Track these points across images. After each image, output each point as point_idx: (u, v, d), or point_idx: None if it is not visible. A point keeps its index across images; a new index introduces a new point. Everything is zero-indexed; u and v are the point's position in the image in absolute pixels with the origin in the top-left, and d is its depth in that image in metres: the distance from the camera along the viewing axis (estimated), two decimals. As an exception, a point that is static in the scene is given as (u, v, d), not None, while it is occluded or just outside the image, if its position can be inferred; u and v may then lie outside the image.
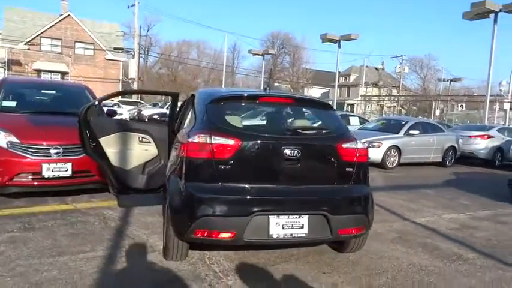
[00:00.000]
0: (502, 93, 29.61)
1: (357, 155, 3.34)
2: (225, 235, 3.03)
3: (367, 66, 49.20)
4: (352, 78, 57.74)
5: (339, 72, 65.88)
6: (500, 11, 15.95)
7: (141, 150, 4.37)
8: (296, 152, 3.14)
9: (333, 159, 3.27)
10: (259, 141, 3.13)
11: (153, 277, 3.15)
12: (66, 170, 4.91)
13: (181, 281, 3.11)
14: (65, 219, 4.47)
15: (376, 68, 54.38)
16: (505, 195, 7.27)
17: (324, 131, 3.47)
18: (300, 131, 3.37)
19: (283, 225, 3.08)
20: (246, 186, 3.11)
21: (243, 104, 3.67)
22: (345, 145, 3.31)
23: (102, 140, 4.31)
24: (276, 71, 49.41)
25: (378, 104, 49.19)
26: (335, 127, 3.49)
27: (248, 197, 3.07)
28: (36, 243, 3.70)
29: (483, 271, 3.59)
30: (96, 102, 4.53)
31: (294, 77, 54.33)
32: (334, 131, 3.47)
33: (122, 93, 16.68)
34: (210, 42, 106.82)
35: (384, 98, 48.38)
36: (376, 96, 49.83)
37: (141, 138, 4.36)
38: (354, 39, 23.32)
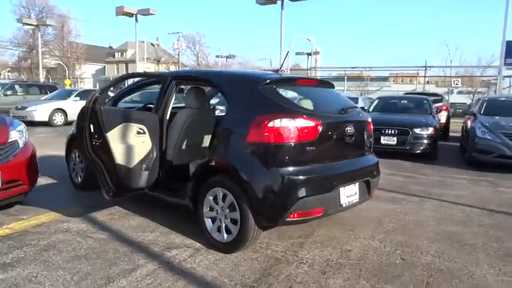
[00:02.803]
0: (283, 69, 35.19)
1: (372, 127, 3.99)
2: (316, 213, 3.20)
3: (142, 42, 48.61)
4: (129, 54, 55.86)
5: (112, 48, 62.82)
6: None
7: (140, 143, 3.65)
8: (352, 128, 3.54)
9: (365, 132, 3.81)
10: (330, 122, 3.35)
11: (244, 268, 2.97)
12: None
13: (272, 266, 3.07)
14: (37, 246, 3.38)
15: (152, 44, 54.26)
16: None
17: (356, 109, 3.92)
18: (345, 109, 3.72)
19: (347, 195, 3.47)
20: (326, 164, 3.32)
21: (288, 86, 3.66)
22: (369, 119, 3.91)
23: (110, 135, 3.40)
24: (35, 45, 42.59)
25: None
26: (355, 104, 4.01)
27: (329, 173, 3.29)
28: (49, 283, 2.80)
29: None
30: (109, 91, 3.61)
31: (62, 51, 48.21)
32: (357, 107, 4.00)
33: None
34: None
35: (165, 74, 49.15)
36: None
37: (138, 129, 3.64)
38: (152, 14, 22.90)
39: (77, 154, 5.11)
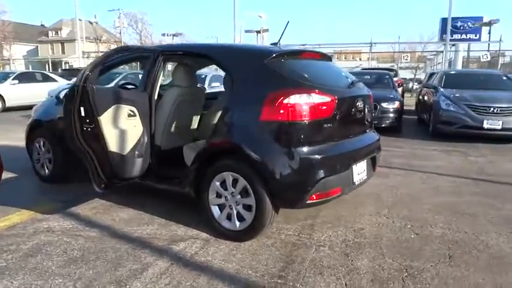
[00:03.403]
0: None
1: (373, 102, 3.88)
2: (335, 193, 3.04)
3: (80, 20, 45.37)
4: (64, 33, 51.88)
5: (45, 26, 57.72)
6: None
7: (131, 128, 3.23)
8: (362, 103, 3.40)
9: (369, 107, 3.68)
10: (343, 97, 3.16)
11: (264, 257, 2.76)
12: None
13: (292, 252, 2.90)
14: (19, 252, 2.92)
15: (90, 22, 50.83)
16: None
17: (359, 82, 3.75)
18: (352, 83, 3.54)
19: (358, 172, 3.35)
20: (341, 141, 3.15)
21: (293, 60, 3.38)
22: (370, 93, 3.78)
23: (103, 118, 2.94)
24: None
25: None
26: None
27: (345, 151, 3.13)
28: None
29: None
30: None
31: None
32: (360, 81, 3.84)
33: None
34: None
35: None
36: (95, 52, 47.12)
37: (128, 112, 3.22)
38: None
39: (41, 143, 4.53)
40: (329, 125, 3.00)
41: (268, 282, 2.54)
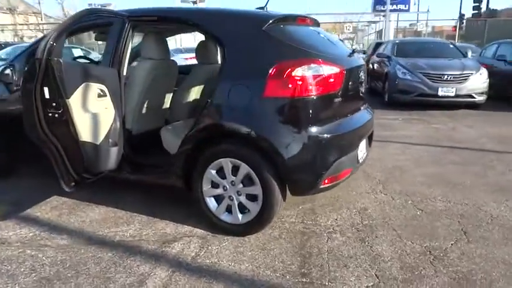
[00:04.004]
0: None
1: None
2: (345, 175, 2.77)
3: (-13, -12, 40.42)
4: (-30, 3, 45.68)
5: None
6: None
7: (103, 110, 2.64)
8: (362, 75, 3.11)
9: (365, 79, 3.38)
10: (348, 68, 2.82)
11: (277, 253, 2.44)
12: None
13: (304, 242, 2.60)
14: (-30, 275, 2.31)
15: (0, -8, 45.18)
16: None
17: (355, 52, 3.42)
18: (351, 52, 3.20)
19: (360, 150, 3.10)
20: (348, 118, 2.85)
21: (292, 26, 2.92)
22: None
23: (73, 101, 2.31)
24: None
25: (16, 35, 42.27)
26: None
27: (353, 129, 2.84)
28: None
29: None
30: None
31: None
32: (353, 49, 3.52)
33: None
34: None
35: (23, 26, 41.88)
36: (12, 24, 42.34)
37: (98, 91, 2.62)
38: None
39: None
40: (338, 99, 2.68)
41: (293, 283, 2.22)
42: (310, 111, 2.50)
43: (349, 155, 2.76)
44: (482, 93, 7.90)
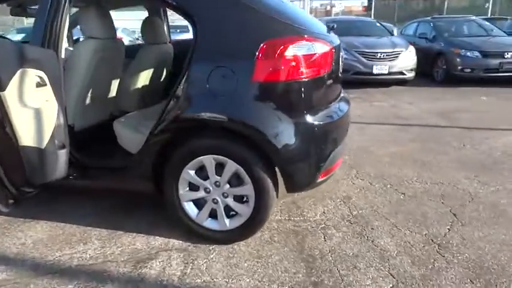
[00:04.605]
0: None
1: None
2: (337, 166, 2.51)
3: None
4: None
5: None
6: None
7: (44, 104, 2.01)
8: (340, 54, 2.84)
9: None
10: (335, 46, 2.53)
11: (276, 260, 2.13)
12: None
13: (300, 243, 2.33)
14: None
15: None
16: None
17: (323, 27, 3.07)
18: (327, 28, 2.87)
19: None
20: (337, 103, 2.57)
21: None
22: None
23: (8, 94, 1.66)
24: None
25: None
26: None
27: (342, 115, 2.54)
28: None
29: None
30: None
31: None
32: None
33: None
34: None
35: None
36: None
37: (37, 80, 1.98)
38: None
39: None
40: (328, 82, 2.39)
41: (308, 296, 1.92)
42: (305, 96, 2.18)
43: (342, 144, 2.51)
44: (411, 69, 8.23)
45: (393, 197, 2.98)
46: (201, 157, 2.21)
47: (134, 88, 3.32)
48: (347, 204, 2.86)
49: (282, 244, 2.36)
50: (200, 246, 2.33)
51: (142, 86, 3.41)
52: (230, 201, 2.27)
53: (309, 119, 2.18)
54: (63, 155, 2.17)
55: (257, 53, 2.07)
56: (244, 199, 2.28)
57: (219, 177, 2.24)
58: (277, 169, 2.22)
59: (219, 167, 2.23)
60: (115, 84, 3.06)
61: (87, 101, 2.75)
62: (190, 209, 2.34)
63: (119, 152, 2.66)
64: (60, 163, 2.15)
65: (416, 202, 2.89)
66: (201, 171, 2.27)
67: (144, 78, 3.39)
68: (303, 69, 2.13)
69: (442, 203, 2.88)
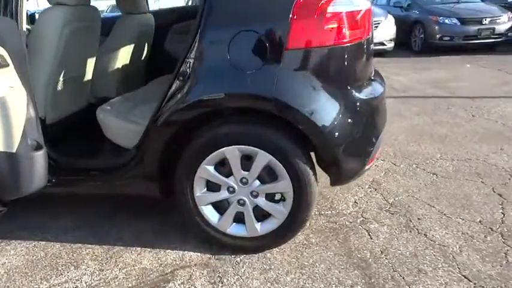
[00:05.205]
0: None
1: None
2: (378, 154, 2.12)
3: None
4: None
5: None
6: None
7: (9, 92, 1.45)
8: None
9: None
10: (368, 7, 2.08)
11: (324, 268, 1.73)
12: None
13: (343, 244, 1.94)
14: None
15: None
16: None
17: None
18: None
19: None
20: (376, 78, 2.16)
21: None
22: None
23: None
24: None
25: None
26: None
27: (383, 91, 2.12)
28: None
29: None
30: None
31: None
32: None
33: None
34: None
35: None
36: None
37: None
38: None
39: None
40: (369, 50, 1.96)
41: (379, 316, 1.54)
42: (350, 66, 1.75)
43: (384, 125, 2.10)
44: (391, 40, 7.97)
45: (426, 179, 2.64)
46: (223, 149, 1.74)
47: (113, 69, 2.76)
48: (378, 191, 2.50)
49: (322, 247, 1.95)
50: (224, 257, 1.88)
51: (123, 66, 2.85)
52: (261, 201, 1.82)
53: (358, 94, 1.76)
54: (40, 158, 1.63)
55: (292, 12, 1.60)
56: (279, 197, 1.84)
57: (246, 173, 1.78)
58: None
59: (246, 161, 1.77)
60: (91, 63, 2.48)
61: (59, 86, 2.18)
62: (210, 213, 1.88)
63: (106, 148, 2.14)
64: (38, 169, 1.61)
65: (453, 183, 2.57)
66: (222, 166, 1.81)
67: (124, 57, 2.83)
68: (346, 31, 1.69)
69: (482, 182, 2.57)
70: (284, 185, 1.76)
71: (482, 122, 3.73)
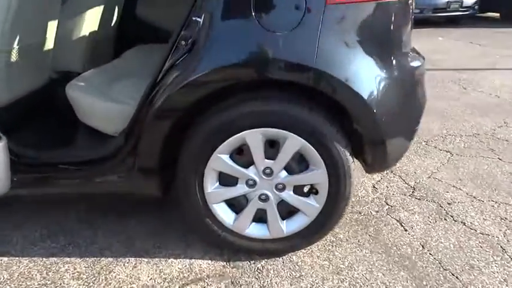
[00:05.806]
0: None
1: None
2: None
3: None
4: None
5: None
6: None
7: None
8: None
9: None
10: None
11: (364, 269, 1.45)
12: None
13: (376, 237, 1.67)
14: None
15: None
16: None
17: None
18: None
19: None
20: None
21: None
22: None
23: None
24: None
25: None
26: None
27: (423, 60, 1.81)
28: None
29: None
30: None
31: None
32: None
33: None
34: None
35: None
36: None
37: None
38: None
39: None
40: (413, 12, 1.64)
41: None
42: (399, 29, 1.43)
43: None
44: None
45: (441, 157, 2.43)
46: (243, 132, 1.37)
47: (79, 36, 2.26)
48: (396, 173, 2.24)
49: (354, 244, 1.67)
50: (241, 264, 1.55)
51: (90, 33, 2.36)
52: (288, 195, 1.49)
53: (407, 64, 1.45)
54: (0, 153, 1.18)
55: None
56: (309, 190, 1.52)
57: (270, 162, 1.43)
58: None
59: (270, 147, 1.43)
60: (52, 28, 1.99)
61: (13, 56, 1.70)
62: (224, 213, 1.53)
63: (81, 135, 1.71)
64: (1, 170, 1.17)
65: (470, 161, 2.37)
66: (239, 155, 1.45)
67: (91, 21, 2.34)
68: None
69: (499, 159, 2.39)
70: (318, 175, 1.43)
71: (476, 95, 3.59)
